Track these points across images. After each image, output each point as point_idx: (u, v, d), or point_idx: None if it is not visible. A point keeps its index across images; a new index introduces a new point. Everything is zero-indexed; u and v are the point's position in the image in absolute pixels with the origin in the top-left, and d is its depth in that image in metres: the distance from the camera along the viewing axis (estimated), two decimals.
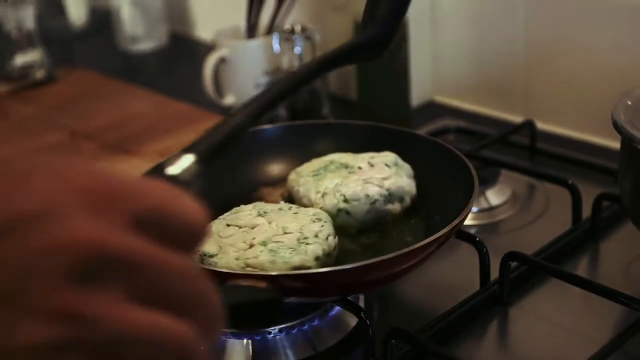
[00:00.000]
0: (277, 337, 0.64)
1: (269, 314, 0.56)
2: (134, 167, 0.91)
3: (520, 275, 0.71)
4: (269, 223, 0.66)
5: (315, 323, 0.66)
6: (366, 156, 0.75)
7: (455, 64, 1.11)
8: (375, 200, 0.70)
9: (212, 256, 0.64)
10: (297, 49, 1.03)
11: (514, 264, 0.69)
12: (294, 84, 0.60)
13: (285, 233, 0.64)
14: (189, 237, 0.34)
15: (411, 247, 0.60)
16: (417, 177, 0.75)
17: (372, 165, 0.73)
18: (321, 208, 0.70)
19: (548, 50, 1.00)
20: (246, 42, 1.10)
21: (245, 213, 0.69)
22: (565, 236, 0.76)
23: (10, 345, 0.29)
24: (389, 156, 0.75)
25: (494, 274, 0.69)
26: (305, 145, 0.81)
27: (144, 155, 0.97)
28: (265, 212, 0.68)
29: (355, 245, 0.70)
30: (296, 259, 0.61)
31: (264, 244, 0.63)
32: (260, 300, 0.54)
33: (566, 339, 0.65)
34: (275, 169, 0.81)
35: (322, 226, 0.65)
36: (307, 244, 0.63)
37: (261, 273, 0.60)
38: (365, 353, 0.62)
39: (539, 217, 0.82)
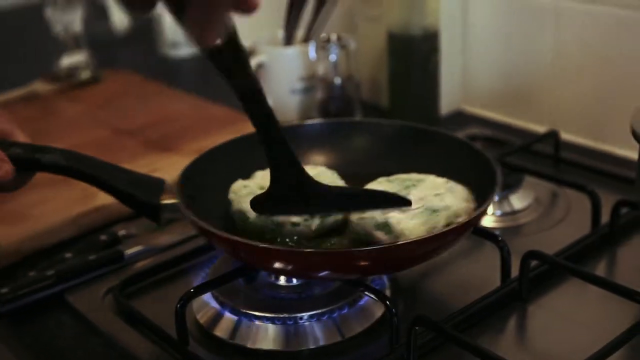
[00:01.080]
0: (307, 322, 0.68)
1: (146, 212, 0.70)
2: (174, 164, 0.95)
3: (540, 274, 0.73)
4: None
5: (344, 311, 0.69)
6: (465, 201, 0.72)
7: (484, 75, 1.14)
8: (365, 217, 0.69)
9: (249, 178, 0.78)
10: (332, 57, 1.07)
11: (533, 263, 0.72)
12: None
13: None
14: None
15: (424, 236, 0.65)
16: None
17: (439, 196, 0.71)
18: None
19: (574, 64, 1.03)
20: (284, 49, 1.15)
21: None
22: (583, 239, 0.78)
23: None
24: (460, 207, 0.70)
25: (515, 272, 0.72)
26: (340, 140, 0.86)
27: (183, 153, 1.01)
28: None
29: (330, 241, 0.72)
30: (243, 206, 0.72)
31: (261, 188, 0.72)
32: (138, 199, 0.69)
33: (582, 334, 0.67)
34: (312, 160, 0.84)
35: None
36: None
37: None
38: (389, 340, 0.65)
39: (560, 221, 0.85)
